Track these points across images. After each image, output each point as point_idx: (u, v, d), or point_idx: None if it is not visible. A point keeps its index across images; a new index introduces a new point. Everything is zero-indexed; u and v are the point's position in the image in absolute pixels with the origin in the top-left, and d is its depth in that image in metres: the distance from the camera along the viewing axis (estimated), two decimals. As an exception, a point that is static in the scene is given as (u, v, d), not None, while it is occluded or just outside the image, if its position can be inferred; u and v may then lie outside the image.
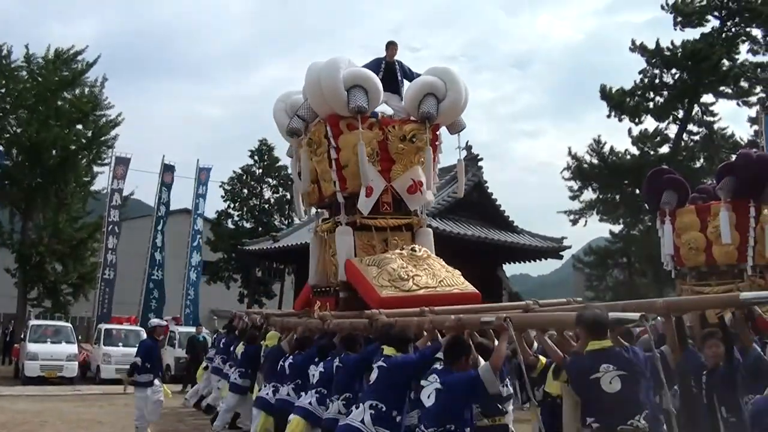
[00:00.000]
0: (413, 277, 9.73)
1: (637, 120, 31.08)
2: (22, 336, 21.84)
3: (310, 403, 7.06)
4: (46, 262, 28.00)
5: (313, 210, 12.82)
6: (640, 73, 31.54)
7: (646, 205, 30.13)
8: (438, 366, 5.37)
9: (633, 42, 31.56)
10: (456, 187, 21.78)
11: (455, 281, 9.96)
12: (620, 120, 31.11)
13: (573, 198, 31.87)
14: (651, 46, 30.98)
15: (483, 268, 21.46)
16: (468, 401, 5.22)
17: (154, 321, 12.48)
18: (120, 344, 21.14)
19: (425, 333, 6.40)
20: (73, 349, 20.66)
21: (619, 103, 30.77)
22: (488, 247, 21.71)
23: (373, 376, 5.86)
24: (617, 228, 32.07)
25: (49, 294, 28.66)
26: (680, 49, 30.14)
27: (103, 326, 22.18)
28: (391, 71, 11.56)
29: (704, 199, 11.84)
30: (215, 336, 16.88)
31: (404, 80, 11.71)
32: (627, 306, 5.43)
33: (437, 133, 11.39)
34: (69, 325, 22.97)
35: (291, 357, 8.26)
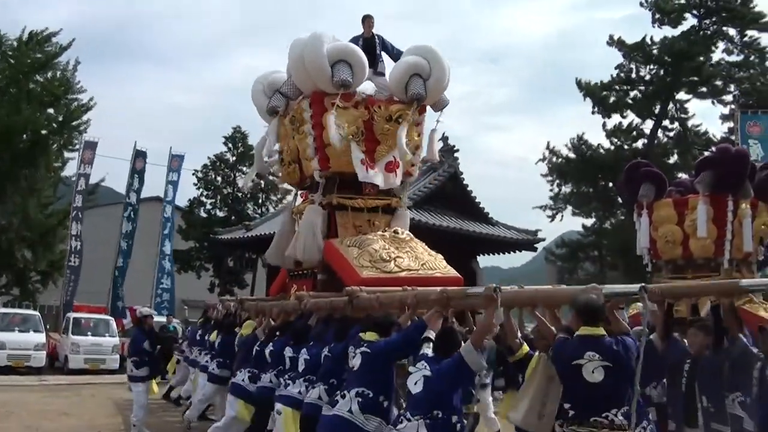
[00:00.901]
0: (395, 258, 9.65)
1: (614, 114, 31.30)
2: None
3: (299, 392, 6.77)
4: (15, 249, 27.55)
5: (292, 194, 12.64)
6: (616, 68, 31.85)
7: (620, 198, 30.59)
8: (428, 352, 5.12)
9: (611, 37, 31.80)
10: (432, 178, 21.95)
11: (437, 265, 9.90)
12: (598, 114, 31.33)
13: (554, 197, 32.13)
14: (629, 41, 31.18)
15: (458, 259, 21.40)
16: (456, 386, 4.98)
17: (145, 310, 12.01)
18: (89, 333, 20.74)
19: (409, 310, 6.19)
20: (41, 338, 20.22)
21: (597, 97, 30.96)
22: (463, 238, 21.65)
23: (357, 362, 5.66)
24: (590, 221, 32.38)
25: (17, 281, 28.24)
26: (659, 46, 30.35)
27: (72, 315, 21.75)
28: (370, 46, 11.34)
29: (681, 193, 11.88)
30: (189, 328, 16.54)
31: (383, 54, 11.53)
32: (624, 289, 5.21)
33: (422, 114, 11.24)
34: (37, 313, 22.49)
35: (271, 344, 7.99)
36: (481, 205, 23.24)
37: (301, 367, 6.94)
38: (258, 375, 8.12)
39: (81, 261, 24.90)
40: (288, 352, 7.36)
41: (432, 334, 5.27)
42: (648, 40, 30.87)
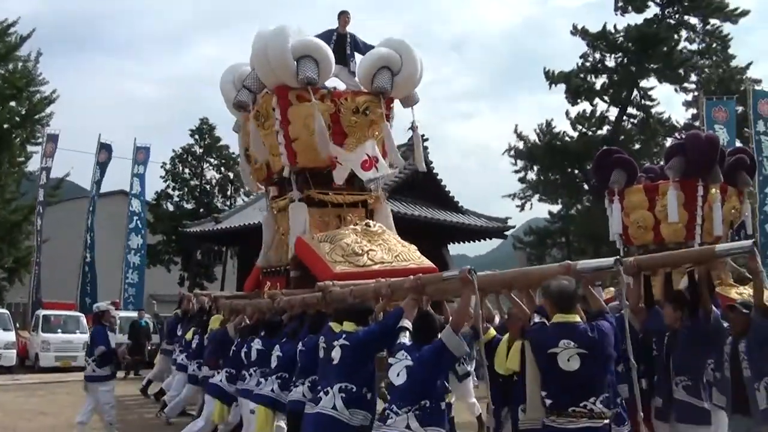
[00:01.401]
0: (368, 252, 9.59)
1: (580, 102, 31.58)
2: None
3: (272, 390, 6.67)
4: (-21, 246, 27.01)
5: (262, 189, 12.51)
6: (581, 57, 32.05)
7: (586, 185, 31.08)
8: (406, 341, 4.92)
9: (574, 26, 32.03)
10: (402, 168, 21.93)
11: (411, 256, 9.89)
12: (567, 102, 31.57)
13: (522, 184, 32.33)
14: (592, 30, 31.45)
15: (429, 248, 21.53)
16: (439, 372, 4.83)
17: (102, 305, 11.37)
18: (59, 331, 20.46)
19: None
20: (11, 336, 19.89)
21: (565, 85, 31.20)
22: (434, 227, 21.79)
23: (336, 355, 5.42)
24: (556, 208, 32.73)
25: (-17, 279, 27.71)
26: (623, 34, 30.67)
27: (41, 312, 21.42)
28: (341, 43, 11.22)
29: (652, 179, 12.06)
30: (166, 321, 16.17)
31: (355, 53, 11.39)
32: (599, 264, 5.05)
33: (390, 105, 11.14)
34: (6, 311, 22.05)
35: (246, 345, 7.71)
36: (451, 194, 23.36)
37: (273, 364, 6.80)
38: (236, 375, 7.94)
39: (41, 257, 24.48)
40: (257, 344, 7.26)
41: (407, 323, 5.08)
42: (611, 28, 31.18)
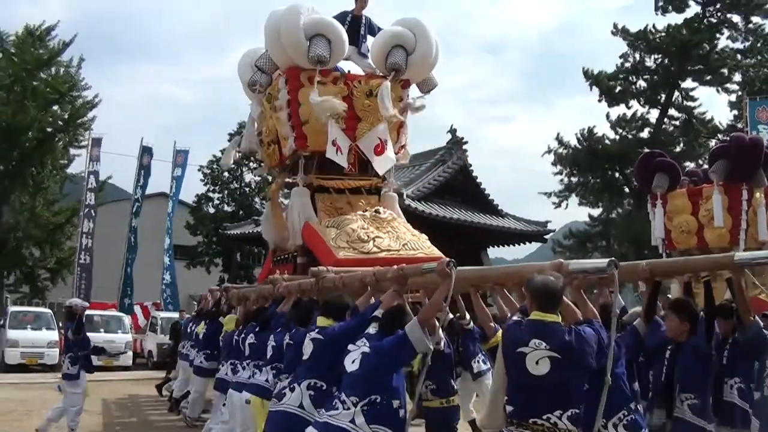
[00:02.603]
0: (374, 239, 9.31)
1: (620, 104, 31.17)
2: (1, 323, 21.40)
3: (267, 380, 6.32)
4: (23, 247, 27.62)
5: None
6: (620, 57, 31.65)
7: (626, 188, 30.69)
8: (371, 330, 4.61)
9: (615, 26, 31.65)
10: (442, 171, 21.88)
11: (420, 245, 9.57)
12: (605, 103, 31.18)
13: (562, 186, 32.02)
14: (633, 30, 31.05)
15: (467, 251, 21.45)
16: (396, 365, 4.47)
17: (75, 301, 11.16)
18: (102, 330, 20.75)
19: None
20: (54, 335, 20.28)
21: (604, 86, 30.84)
22: (473, 230, 21.64)
23: (307, 350, 5.06)
24: (596, 211, 32.33)
25: (26, 279, 28.37)
26: (663, 35, 30.22)
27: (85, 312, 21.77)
28: (356, 25, 10.93)
29: (695, 183, 11.88)
30: (185, 320, 15.81)
31: (368, 36, 11.11)
32: (592, 265, 4.70)
33: (406, 89, 10.79)
34: (49, 311, 22.57)
35: (245, 332, 7.34)
36: (490, 197, 23.21)
37: (269, 354, 6.46)
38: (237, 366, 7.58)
39: (92, 258, 24.90)
40: (250, 338, 6.97)
41: (379, 313, 4.77)
42: (651, 28, 30.74)
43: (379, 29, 11.05)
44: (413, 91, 11.30)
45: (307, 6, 10.33)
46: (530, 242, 24.86)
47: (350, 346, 4.57)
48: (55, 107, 28.43)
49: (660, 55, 30.86)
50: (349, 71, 10.66)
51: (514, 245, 24.76)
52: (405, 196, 19.49)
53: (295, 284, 7.16)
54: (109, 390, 15.95)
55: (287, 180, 11.45)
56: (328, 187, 10.35)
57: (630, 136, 31.16)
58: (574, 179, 32.02)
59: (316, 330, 5.10)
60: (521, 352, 3.80)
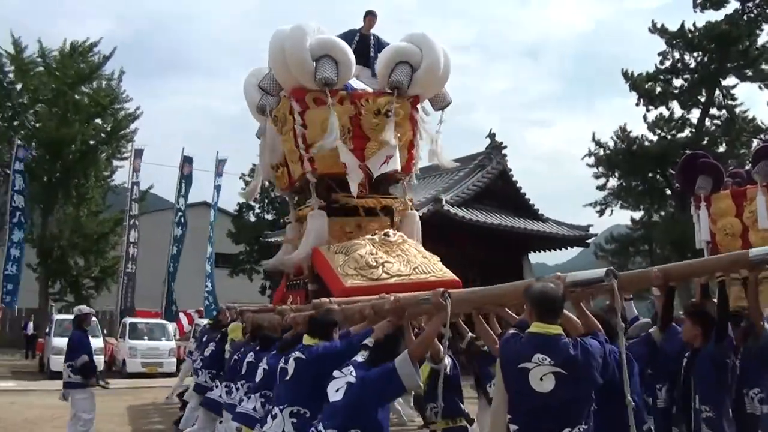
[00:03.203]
0: (383, 264, 8.90)
1: (661, 104, 30.70)
2: (46, 330, 21.80)
3: (254, 409, 5.92)
4: (68, 257, 28.26)
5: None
6: (659, 55, 31.16)
7: (668, 190, 30.20)
8: (359, 358, 4.33)
9: (653, 24, 31.17)
10: (481, 176, 21.80)
11: (432, 268, 9.17)
12: (643, 105, 30.73)
13: (601, 189, 31.65)
14: (671, 28, 30.60)
15: (508, 257, 21.35)
16: (382, 399, 4.21)
17: (83, 308, 10.81)
18: (145, 338, 21.11)
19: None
20: (99, 343, 20.50)
21: (642, 88, 30.42)
22: (513, 236, 21.54)
23: (289, 370, 4.77)
24: (638, 214, 31.86)
25: (71, 288, 28.93)
26: (702, 32, 29.73)
27: (128, 320, 22.15)
28: (365, 45, 10.61)
29: (739, 184, 11.62)
30: (201, 329, 15.23)
31: (378, 55, 10.66)
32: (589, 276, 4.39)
33: (417, 107, 10.44)
34: (94, 319, 22.90)
35: (252, 354, 6.89)
36: (530, 202, 23.06)
37: (258, 378, 6.07)
38: (232, 388, 7.26)
39: (136, 267, 25.26)
40: (249, 356, 6.60)
41: (370, 341, 4.51)
42: (690, 26, 30.26)
43: (388, 45, 10.71)
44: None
45: (313, 26, 10.01)
46: (572, 247, 24.70)
47: (336, 373, 4.28)
48: (98, 120, 29.04)
49: (699, 53, 30.33)
50: (355, 89, 10.32)
51: (555, 250, 24.59)
52: (444, 202, 19.45)
53: (301, 316, 6.69)
54: (152, 396, 16.14)
55: (297, 203, 11.22)
56: (337, 210, 10.01)
57: (670, 137, 30.66)
58: (614, 182, 31.62)
59: (299, 349, 4.86)
60: (524, 368, 3.57)
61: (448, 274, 9.08)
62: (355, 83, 10.55)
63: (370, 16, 10.76)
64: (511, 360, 3.68)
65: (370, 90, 10.35)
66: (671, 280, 4.37)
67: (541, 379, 3.51)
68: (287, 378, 4.80)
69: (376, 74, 10.51)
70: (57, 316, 22.41)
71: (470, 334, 6.54)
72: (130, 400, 15.55)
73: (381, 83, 10.21)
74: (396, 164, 9.88)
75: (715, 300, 4.83)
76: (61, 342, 19.71)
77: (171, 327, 21.89)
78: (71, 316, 22.92)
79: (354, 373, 4.16)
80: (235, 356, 7.40)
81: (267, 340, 6.44)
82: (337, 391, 4.13)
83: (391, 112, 9.89)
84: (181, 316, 23.85)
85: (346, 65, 9.82)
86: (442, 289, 4.42)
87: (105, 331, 23.50)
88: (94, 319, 22.46)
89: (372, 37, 10.71)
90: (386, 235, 9.50)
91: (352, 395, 4.07)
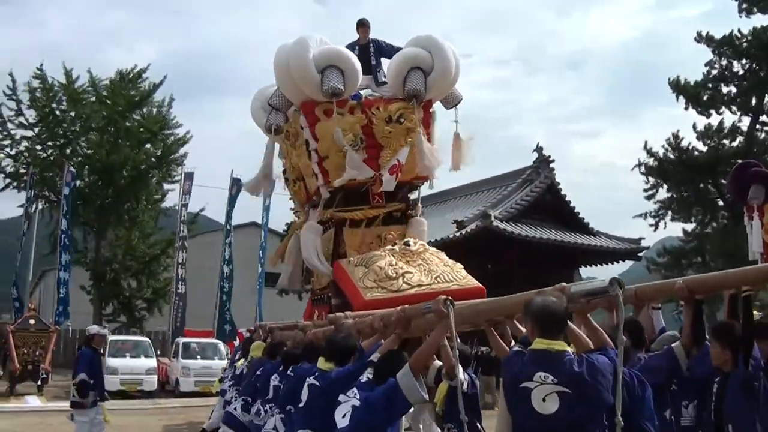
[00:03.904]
0: (404, 274, 8.64)
1: (709, 113, 30.14)
2: (101, 351, 22.16)
3: (274, 428, 5.78)
4: (121, 279, 28.87)
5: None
6: (706, 65, 30.64)
7: (720, 200, 29.57)
8: (364, 377, 4.18)
9: (698, 33, 30.69)
10: (529, 190, 21.63)
11: (455, 276, 8.84)
12: (692, 114, 30.23)
13: (649, 198, 31.08)
14: (717, 35, 30.09)
15: (558, 272, 21.07)
16: (389, 418, 4.03)
17: (93, 328, 10.66)
18: (198, 357, 21.34)
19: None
20: (152, 362, 21.01)
21: (691, 96, 29.92)
22: (563, 250, 21.31)
23: (304, 396, 4.71)
24: (690, 226, 31.19)
25: (123, 309, 29.50)
26: (749, 39, 29.17)
27: (181, 340, 22.45)
28: (365, 54, 10.49)
29: (790, 193, 11.36)
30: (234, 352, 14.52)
31: (381, 60, 10.64)
32: (639, 290, 4.24)
33: (430, 110, 10.32)
34: (147, 339, 23.41)
35: (262, 367, 6.87)
36: (580, 215, 22.79)
37: (271, 393, 6.10)
38: (250, 404, 7.21)
39: (186, 288, 25.59)
40: (275, 380, 6.33)
41: (376, 357, 4.36)
42: (736, 32, 29.70)
43: (390, 47, 10.63)
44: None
45: (316, 37, 9.95)
46: (623, 261, 24.29)
47: (341, 397, 4.17)
48: (148, 145, 29.69)
49: (748, 60, 29.75)
50: (365, 97, 10.21)
51: (606, 264, 24.21)
52: (493, 218, 19.34)
53: (321, 331, 6.62)
54: (204, 414, 16.26)
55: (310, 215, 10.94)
56: (355, 222, 9.83)
57: (721, 146, 30.05)
58: (664, 193, 31.04)
59: (315, 374, 4.77)
60: (525, 388, 3.35)
61: (472, 282, 8.76)
62: (367, 94, 10.48)
63: (362, 27, 10.72)
64: (512, 379, 3.48)
65: (381, 97, 10.26)
66: (697, 292, 4.11)
67: (544, 400, 3.29)
68: (301, 405, 4.75)
69: (382, 81, 10.48)
70: (111, 337, 22.81)
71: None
72: (186, 418, 15.68)
73: (395, 90, 10.11)
74: (390, 185, 9.72)
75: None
76: (116, 362, 20.16)
77: (223, 346, 22.05)
78: (126, 337, 23.63)
79: (358, 396, 4.05)
80: (257, 373, 7.24)
81: (290, 357, 6.19)
82: (343, 416, 4.03)
83: (403, 118, 9.77)
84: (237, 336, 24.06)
85: (352, 73, 9.74)
86: (444, 297, 4.16)
87: (158, 351, 23.86)
88: (146, 339, 22.92)
89: (371, 44, 10.65)
90: (406, 244, 9.29)
91: (358, 419, 3.95)
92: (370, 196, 9.91)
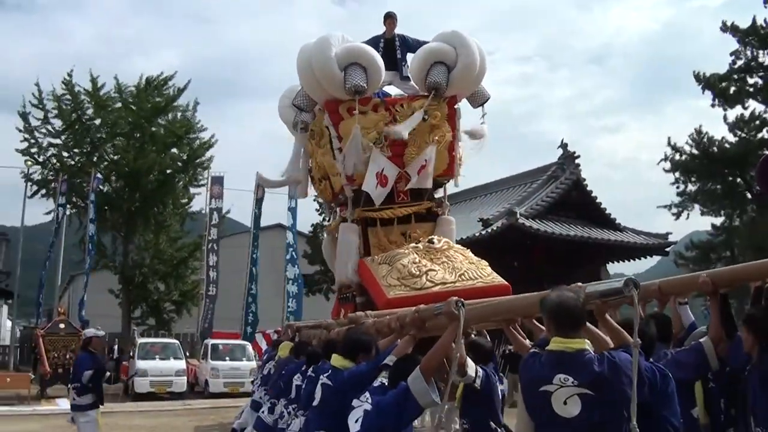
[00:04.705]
0: (427, 272, 8.58)
1: (737, 104, 29.70)
2: (130, 354, 22.45)
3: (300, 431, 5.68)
4: (149, 282, 29.19)
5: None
6: (731, 55, 30.21)
7: (749, 193, 29.13)
8: (377, 381, 4.10)
9: (723, 23, 30.26)
10: (554, 187, 21.48)
11: (479, 273, 8.73)
12: (719, 106, 29.79)
13: (679, 194, 30.73)
14: (742, 25, 29.64)
15: (586, 268, 20.93)
16: (400, 423, 3.90)
17: (90, 331, 10.43)
18: (227, 358, 21.52)
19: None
20: (182, 364, 21.20)
21: (716, 88, 29.52)
22: (590, 246, 21.13)
23: (317, 395, 4.68)
24: (719, 220, 30.79)
25: (152, 312, 29.79)
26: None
27: (210, 341, 22.64)
28: (391, 49, 10.43)
29: (820, 184, 11.14)
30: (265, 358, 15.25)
31: (407, 56, 10.56)
32: (662, 284, 4.19)
33: (455, 107, 10.21)
34: (176, 341, 23.66)
35: (300, 377, 6.53)
36: (607, 211, 22.60)
37: (293, 394, 6.07)
38: (276, 405, 7.12)
39: (217, 290, 25.78)
40: (297, 379, 6.29)
41: (392, 360, 4.24)
42: (762, 22, 29.23)
43: (417, 42, 10.52)
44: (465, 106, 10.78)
45: (337, 35, 9.92)
46: (651, 256, 24.12)
47: (354, 402, 4.07)
48: (174, 150, 29.88)
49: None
50: (389, 95, 10.24)
51: (634, 260, 24.00)
52: (518, 215, 19.24)
53: (343, 331, 6.39)
54: (232, 414, 16.37)
55: (344, 216, 10.87)
56: (380, 220, 9.80)
57: (749, 138, 29.62)
58: (691, 187, 30.66)
59: (329, 373, 4.72)
60: (545, 391, 3.20)
61: (497, 279, 8.65)
62: (391, 90, 10.52)
63: (389, 20, 10.64)
64: (531, 382, 3.34)
65: (404, 95, 10.24)
66: (721, 286, 4.01)
67: (565, 403, 3.14)
68: (315, 404, 4.74)
69: (407, 76, 10.41)
70: (141, 340, 23.10)
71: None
72: (216, 419, 15.80)
73: (417, 84, 10.10)
74: (427, 182, 9.74)
75: None
76: (145, 364, 20.38)
77: (250, 348, 22.20)
78: (155, 340, 23.83)
79: (369, 400, 3.97)
80: (282, 372, 7.22)
81: (314, 356, 6.08)
82: (356, 421, 3.95)
83: (427, 114, 9.72)
84: (258, 336, 24.16)
85: (374, 70, 9.73)
86: (455, 299, 4.01)
87: (187, 353, 24.06)
88: (175, 341, 23.09)
89: (397, 39, 10.57)
90: (430, 242, 9.24)
91: (369, 424, 3.88)
92: (395, 194, 9.89)
